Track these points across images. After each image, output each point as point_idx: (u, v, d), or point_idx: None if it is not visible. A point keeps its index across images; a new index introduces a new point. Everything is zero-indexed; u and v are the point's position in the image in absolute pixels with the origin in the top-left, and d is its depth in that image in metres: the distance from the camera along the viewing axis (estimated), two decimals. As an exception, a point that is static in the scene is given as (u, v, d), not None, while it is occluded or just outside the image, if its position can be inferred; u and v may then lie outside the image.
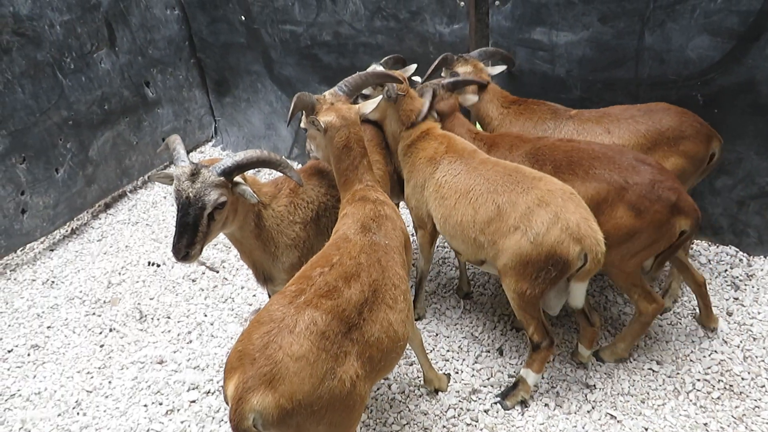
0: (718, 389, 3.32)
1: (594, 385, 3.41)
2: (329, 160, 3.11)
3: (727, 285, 4.02)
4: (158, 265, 4.96)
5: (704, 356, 3.52)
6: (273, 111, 6.25)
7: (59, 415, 3.59)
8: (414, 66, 3.92)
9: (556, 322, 3.88)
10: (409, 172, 3.55)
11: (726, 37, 3.67)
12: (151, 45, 6.02)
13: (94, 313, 4.46)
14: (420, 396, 3.47)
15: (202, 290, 4.60)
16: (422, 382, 3.48)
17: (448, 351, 3.77)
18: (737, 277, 4.06)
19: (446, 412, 3.35)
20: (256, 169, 6.06)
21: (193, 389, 3.67)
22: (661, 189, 2.98)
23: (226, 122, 6.80)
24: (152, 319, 4.34)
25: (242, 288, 4.58)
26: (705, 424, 3.12)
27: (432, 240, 3.72)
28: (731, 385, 3.32)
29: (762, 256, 4.20)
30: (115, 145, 5.87)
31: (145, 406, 3.59)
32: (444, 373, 3.54)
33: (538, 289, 2.92)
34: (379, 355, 2.41)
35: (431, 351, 3.77)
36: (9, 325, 4.41)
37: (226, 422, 3.40)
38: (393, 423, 3.31)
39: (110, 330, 4.27)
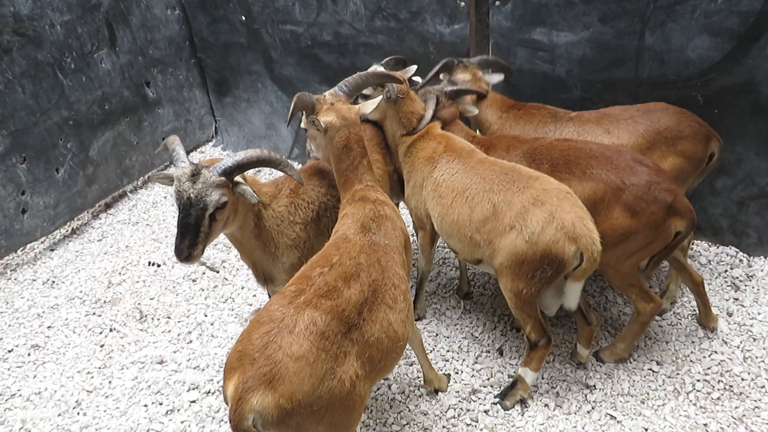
0: (718, 390, 3.32)
1: (594, 386, 3.41)
2: (329, 160, 3.11)
3: (727, 285, 4.02)
4: (158, 265, 4.96)
5: (704, 357, 3.52)
6: (273, 111, 6.25)
7: (59, 415, 3.59)
8: (414, 67, 3.92)
9: (555, 323, 3.88)
10: (408, 172, 3.56)
11: (726, 37, 3.67)
12: (151, 45, 6.03)
13: (94, 313, 4.46)
14: (420, 396, 3.47)
15: (203, 290, 4.60)
16: (422, 382, 3.49)
17: (448, 351, 3.77)
18: (737, 277, 4.06)
19: (446, 412, 3.35)
20: (257, 170, 6.07)
21: (193, 389, 3.68)
22: (658, 190, 2.99)
23: (226, 122, 6.80)
24: (152, 319, 4.35)
25: (242, 288, 4.58)
26: (705, 425, 3.12)
27: (432, 240, 3.72)
28: (731, 386, 3.32)
29: (762, 257, 4.20)
30: (116, 145, 5.87)
31: (145, 406, 3.59)
32: (444, 374, 3.54)
33: (534, 288, 2.93)
34: (379, 355, 2.41)
35: (431, 351, 3.77)
36: (9, 325, 4.41)
37: (226, 422, 3.40)
38: (393, 423, 3.31)
39: (110, 330, 4.27)
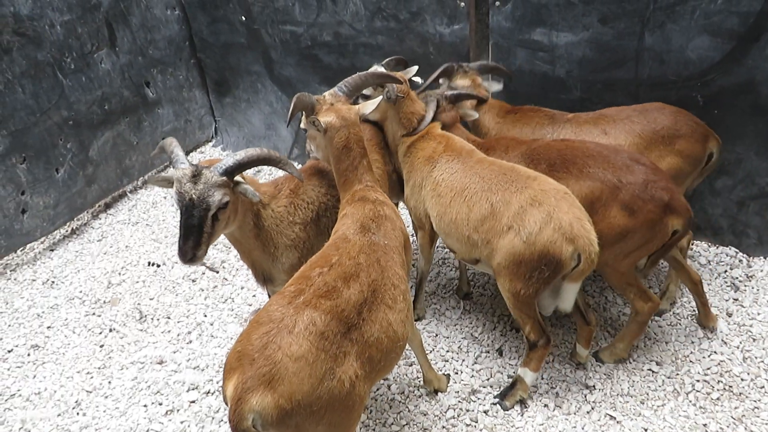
0: (718, 390, 3.32)
1: (593, 386, 3.41)
2: (329, 160, 3.11)
3: (727, 286, 4.02)
4: (158, 266, 4.96)
5: (704, 357, 3.52)
6: (273, 111, 6.25)
7: (59, 415, 3.59)
8: (415, 68, 3.93)
9: (555, 323, 3.88)
10: (408, 172, 3.56)
11: (726, 37, 3.67)
12: (151, 45, 6.03)
13: (94, 313, 4.46)
14: (419, 396, 3.47)
15: (202, 290, 4.60)
16: (422, 382, 3.49)
17: (447, 351, 3.77)
18: (737, 277, 4.06)
19: (446, 412, 3.35)
20: (257, 170, 6.08)
21: (193, 389, 3.68)
22: (654, 188, 2.99)
23: (226, 122, 6.80)
24: (152, 319, 4.35)
25: (242, 288, 4.58)
26: (704, 425, 3.12)
27: (432, 240, 3.72)
28: (731, 386, 3.32)
29: (762, 257, 4.20)
30: (116, 145, 5.87)
31: (145, 406, 3.59)
32: (443, 374, 3.54)
33: (532, 288, 2.93)
34: (379, 356, 2.41)
35: (431, 351, 3.77)
36: (9, 325, 4.41)
37: (225, 422, 3.40)
38: (392, 423, 3.31)
39: (110, 330, 4.27)
